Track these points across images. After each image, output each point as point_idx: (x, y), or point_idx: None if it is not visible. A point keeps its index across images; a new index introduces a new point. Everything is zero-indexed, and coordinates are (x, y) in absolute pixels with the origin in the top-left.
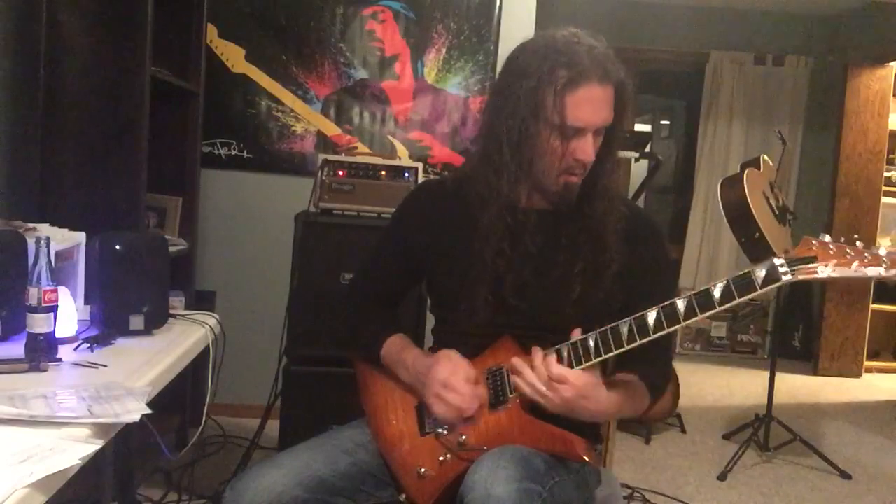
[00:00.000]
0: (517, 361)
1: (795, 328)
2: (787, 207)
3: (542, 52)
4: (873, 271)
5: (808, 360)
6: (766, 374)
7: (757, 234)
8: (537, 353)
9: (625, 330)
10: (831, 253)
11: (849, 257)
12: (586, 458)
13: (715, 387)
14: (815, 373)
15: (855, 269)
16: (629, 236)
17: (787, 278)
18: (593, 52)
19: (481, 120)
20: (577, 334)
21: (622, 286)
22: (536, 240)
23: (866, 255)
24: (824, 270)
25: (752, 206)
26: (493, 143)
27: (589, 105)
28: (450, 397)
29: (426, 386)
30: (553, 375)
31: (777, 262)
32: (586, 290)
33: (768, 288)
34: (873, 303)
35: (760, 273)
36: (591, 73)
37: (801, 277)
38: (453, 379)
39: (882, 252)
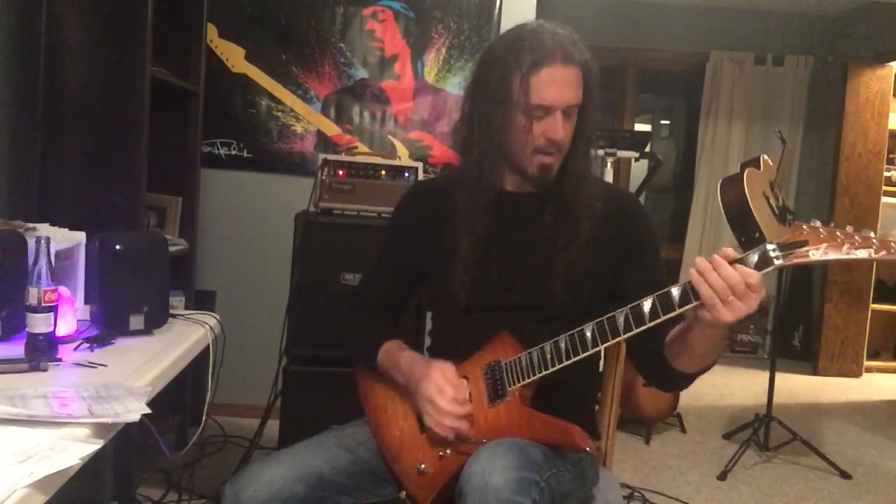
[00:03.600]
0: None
1: (795, 328)
2: (787, 207)
3: (509, 42)
4: (863, 253)
5: (808, 360)
6: (766, 374)
7: (757, 233)
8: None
9: (621, 320)
10: (822, 237)
11: (839, 240)
12: (585, 447)
13: (715, 387)
14: (815, 373)
15: (846, 252)
16: (608, 213)
17: (778, 262)
18: (556, 37)
19: (460, 111)
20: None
21: (605, 261)
22: (518, 220)
23: (856, 237)
24: (815, 253)
25: (752, 206)
26: (467, 128)
27: (553, 85)
28: (436, 418)
29: (416, 398)
30: (752, 284)
31: (769, 246)
32: (570, 267)
33: (762, 272)
34: (873, 303)
35: (753, 258)
36: (555, 55)
37: (792, 261)
38: (439, 399)
39: (871, 234)
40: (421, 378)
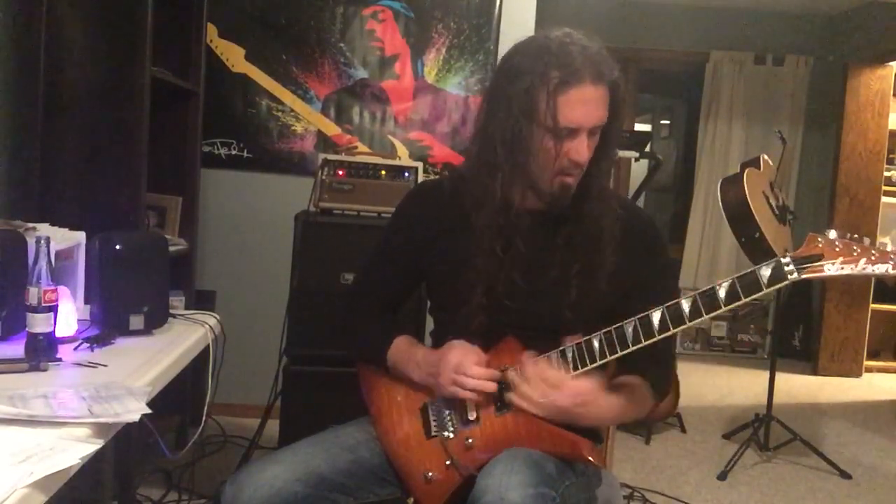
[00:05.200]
0: (513, 375)
1: (795, 328)
2: (787, 207)
3: (534, 53)
4: (881, 268)
5: (808, 360)
6: (766, 374)
7: (757, 233)
8: (529, 361)
9: (629, 330)
10: (837, 250)
11: (855, 254)
12: (591, 459)
13: (715, 387)
14: (815, 373)
15: (862, 267)
16: (626, 237)
17: (793, 277)
18: (586, 53)
19: (476, 122)
20: (568, 341)
21: (620, 288)
22: (532, 241)
23: (873, 252)
24: (831, 268)
25: (752, 206)
26: (488, 145)
27: (581, 106)
28: (464, 380)
29: (440, 374)
30: (549, 380)
31: (783, 260)
32: (583, 293)
33: (774, 287)
34: (873, 303)
35: (766, 272)
36: (584, 74)
37: (807, 276)
38: (465, 362)
39: (889, 248)
40: (443, 355)
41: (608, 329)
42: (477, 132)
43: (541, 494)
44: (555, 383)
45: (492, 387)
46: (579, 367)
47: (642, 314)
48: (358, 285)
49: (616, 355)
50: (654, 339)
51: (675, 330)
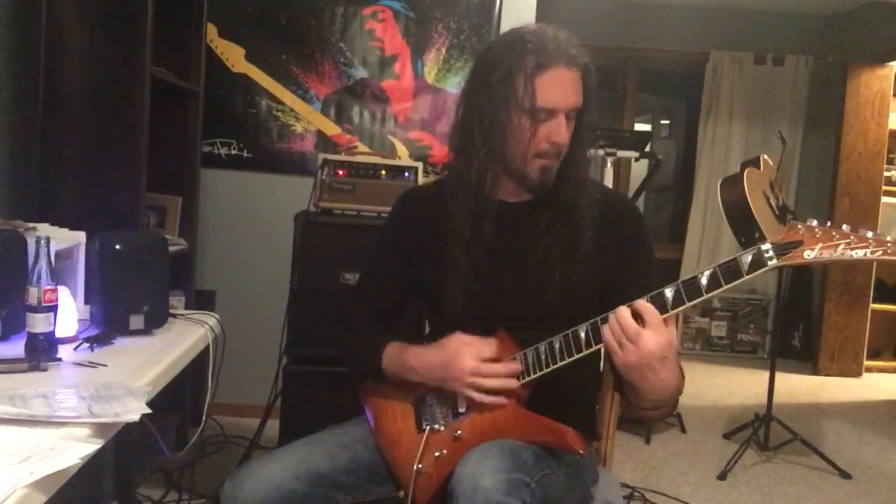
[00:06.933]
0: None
1: (795, 328)
2: (787, 207)
3: (510, 44)
4: (859, 253)
5: (808, 359)
6: (766, 374)
7: (757, 233)
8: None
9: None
10: (817, 236)
11: (834, 240)
12: (578, 449)
13: (715, 387)
14: (815, 372)
15: (841, 252)
16: (606, 220)
17: (772, 263)
18: (557, 39)
19: (455, 114)
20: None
21: (602, 269)
22: (514, 230)
23: (852, 237)
24: (810, 254)
25: (752, 206)
26: (467, 134)
27: (558, 87)
28: (488, 384)
29: (454, 380)
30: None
31: (763, 247)
32: (567, 275)
33: (755, 273)
34: (873, 303)
35: (746, 259)
36: (558, 57)
37: (787, 262)
38: (483, 366)
39: (868, 234)
40: (449, 361)
41: (594, 319)
42: (456, 125)
43: (513, 480)
44: (653, 322)
45: (514, 384)
46: (566, 357)
47: (626, 304)
48: (356, 295)
49: (602, 344)
50: None
51: (661, 317)
